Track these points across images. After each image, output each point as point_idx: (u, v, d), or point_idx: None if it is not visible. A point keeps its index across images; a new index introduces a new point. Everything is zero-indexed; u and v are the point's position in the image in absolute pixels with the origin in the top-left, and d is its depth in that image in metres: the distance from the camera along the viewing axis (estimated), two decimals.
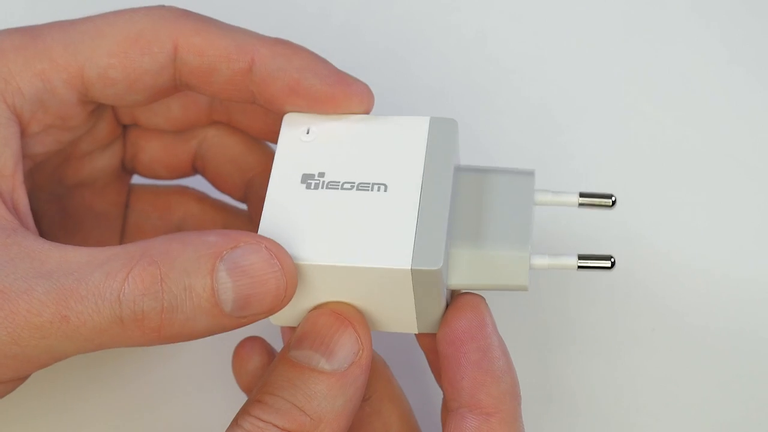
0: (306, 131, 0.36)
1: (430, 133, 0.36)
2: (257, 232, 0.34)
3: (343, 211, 0.35)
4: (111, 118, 0.41)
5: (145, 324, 0.32)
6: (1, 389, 0.35)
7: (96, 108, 0.39)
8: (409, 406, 0.40)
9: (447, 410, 0.35)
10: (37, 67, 0.36)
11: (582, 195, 0.37)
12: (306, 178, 0.36)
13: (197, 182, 0.44)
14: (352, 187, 0.35)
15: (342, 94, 0.36)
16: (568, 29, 0.49)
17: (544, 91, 0.49)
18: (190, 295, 0.32)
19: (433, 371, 0.39)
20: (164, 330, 0.32)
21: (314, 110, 0.36)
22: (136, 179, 0.44)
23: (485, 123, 0.47)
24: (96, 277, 0.32)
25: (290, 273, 0.33)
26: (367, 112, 0.36)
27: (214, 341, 0.41)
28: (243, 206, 0.44)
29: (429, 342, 0.38)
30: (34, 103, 0.36)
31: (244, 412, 0.33)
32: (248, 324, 0.33)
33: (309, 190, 0.35)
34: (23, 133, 0.37)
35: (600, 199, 0.37)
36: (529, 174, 0.37)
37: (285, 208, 0.35)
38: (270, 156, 0.41)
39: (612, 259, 0.36)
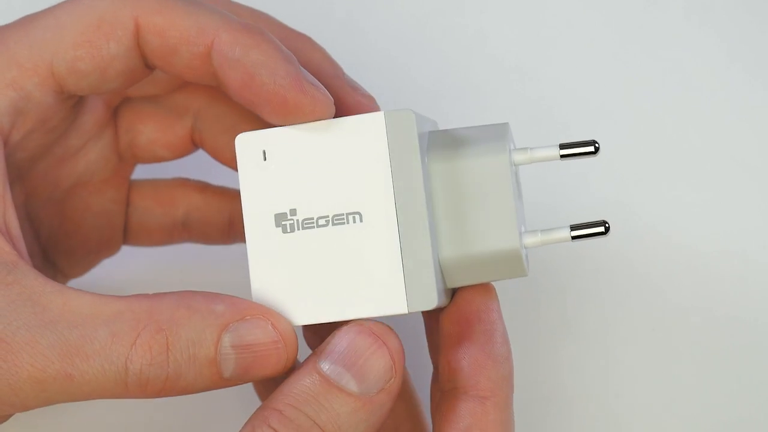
0: (262, 156, 0.34)
1: (389, 132, 0.34)
2: (252, 291, 0.34)
3: (325, 254, 0.34)
4: (96, 105, 0.40)
5: (148, 388, 0.32)
6: None
7: (77, 100, 0.38)
8: (420, 403, 0.40)
9: (439, 389, 0.36)
10: (6, 76, 0.35)
11: (562, 146, 0.35)
12: (279, 219, 0.34)
13: (198, 172, 0.44)
14: (328, 222, 0.34)
15: (293, 99, 0.34)
16: (568, 29, 0.49)
17: (544, 91, 0.49)
18: (193, 364, 0.32)
19: (429, 347, 0.39)
20: (165, 392, 0.32)
21: (265, 110, 0.34)
22: (137, 173, 0.43)
23: (485, 122, 0.47)
24: (102, 337, 0.32)
25: (292, 347, 0.33)
26: (319, 116, 0.34)
27: None
28: None
29: (433, 317, 0.38)
30: (11, 114, 0.35)
31: (262, 419, 0.32)
32: (247, 382, 0.34)
33: (286, 234, 0.34)
34: (5, 144, 0.36)
35: (582, 148, 0.35)
36: (502, 142, 0.35)
37: (269, 262, 0.34)
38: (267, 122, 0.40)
39: (606, 224, 0.35)
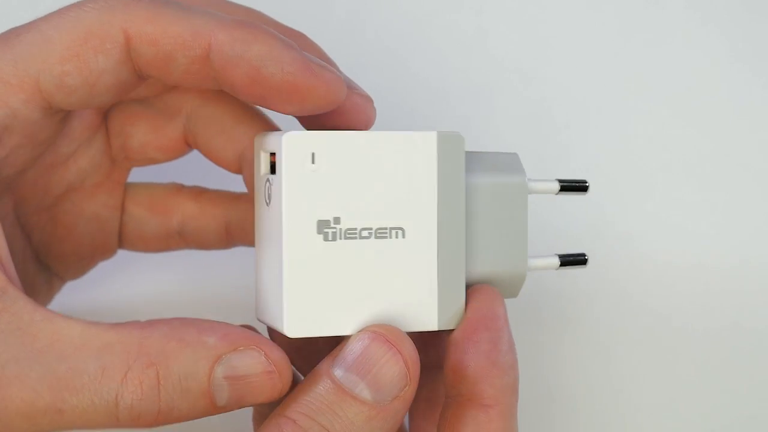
0: (311, 158, 0.33)
1: (439, 152, 0.34)
2: (283, 297, 0.33)
3: (364, 268, 0.34)
4: (85, 111, 0.39)
5: (140, 421, 0.32)
6: None
7: (65, 116, 0.37)
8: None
9: (426, 397, 0.36)
10: None
11: (561, 181, 0.38)
12: (322, 227, 0.33)
13: (195, 170, 0.44)
14: (370, 234, 0.34)
15: (305, 84, 0.33)
16: (568, 28, 0.49)
17: (545, 91, 0.49)
18: (186, 397, 0.32)
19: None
20: (157, 424, 0.32)
21: (277, 101, 0.34)
22: (132, 177, 0.43)
23: (485, 122, 0.47)
24: (91, 370, 0.31)
25: (286, 376, 0.33)
26: (335, 103, 0.34)
27: None
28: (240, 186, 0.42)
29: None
30: None
31: (276, 428, 0.32)
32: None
33: (327, 242, 0.33)
34: None
35: (577, 184, 0.38)
36: (521, 169, 0.36)
37: (306, 269, 0.33)
38: (262, 123, 0.39)
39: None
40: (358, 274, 0.34)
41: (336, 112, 0.35)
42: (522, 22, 0.50)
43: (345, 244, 0.33)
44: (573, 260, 0.38)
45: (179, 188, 0.43)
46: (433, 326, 0.34)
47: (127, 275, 0.47)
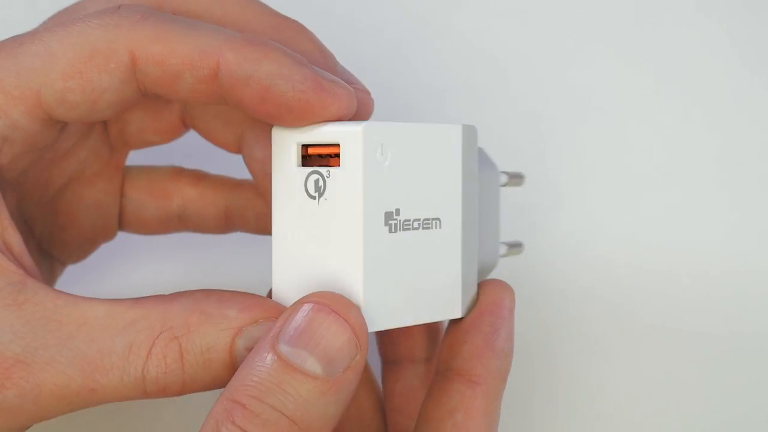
0: (381, 149, 0.33)
1: (464, 145, 0.35)
2: (361, 291, 0.32)
3: (415, 258, 0.33)
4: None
5: (167, 391, 0.32)
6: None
7: (65, 124, 0.37)
8: (381, 392, 0.40)
9: (414, 375, 0.37)
10: None
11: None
12: (388, 218, 0.33)
13: (194, 151, 0.44)
14: (419, 226, 0.34)
15: (317, 102, 0.33)
16: (567, 28, 0.49)
17: (545, 91, 0.49)
18: (209, 368, 0.32)
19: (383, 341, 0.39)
20: (184, 393, 0.33)
21: (288, 118, 0.33)
22: (130, 160, 0.43)
23: (485, 122, 0.47)
24: (119, 348, 0.32)
25: None
26: (346, 117, 0.33)
27: None
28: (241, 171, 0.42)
29: None
30: None
31: (225, 415, 0.31)
32: None
33: (390, 234, 0.33)
34: None
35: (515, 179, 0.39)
36: (495, 167, 0.37)
37: (378, 263, 0.33)
38: None
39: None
40: (411, 265, 0.33)
41: None
42: (522, 22, 0.50)
43: (401, 236, 0.33)
44: (513, 246, 0.40)
45: (179, 172, 0.43)
46: (458, 314, 0.35)
47: (129, 262, 0.47)
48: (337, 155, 0.33)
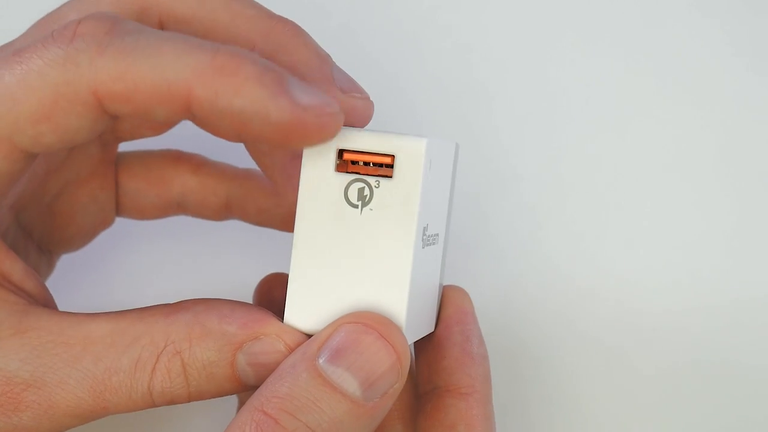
0: (430, 165, 0.32)
1: (454, 161, 0.35)
2: (405, 309, 0.31)
3: (424, 275, 0.33)
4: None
5: (174, 402, 0.33)
6: None
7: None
8: None
9: (417, 395, 0.36)
10: None
11: None
12: (422, 233, 0.32)
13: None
14: (434, 242, 0.34)
15: (295, 131, 0.31)
16: (566, 29, 0.49)
17: (544, 92, 0.48)
18: (212, 381, 0.33)
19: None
20: (191, 401, 0.33)
21: (269, 146, 0.33)
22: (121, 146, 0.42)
23: (483, 124, 0.47)
24: (125, 366, 0.32)
25: None
26: (330, 138, 0.32)
27: None
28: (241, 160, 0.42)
29: None
30: None
31: (255, 427, 0.30)
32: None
33: (423, 249, 0.32)
34: None
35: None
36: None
37: (415, 278, 0.32)
38: None
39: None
40: (425, 280, 0.33)
41: None
42: (520, 23, 0.49)
43: (426, 251, 0.33)
44: None
45: (177, 157, 0.42)
46: (432, 328, 0.36)
47: (127, 246, 0.47)
48: (389, 165, 0.31)
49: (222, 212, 0.42)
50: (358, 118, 0.34)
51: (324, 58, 0.35)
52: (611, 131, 0.47)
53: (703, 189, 0.47)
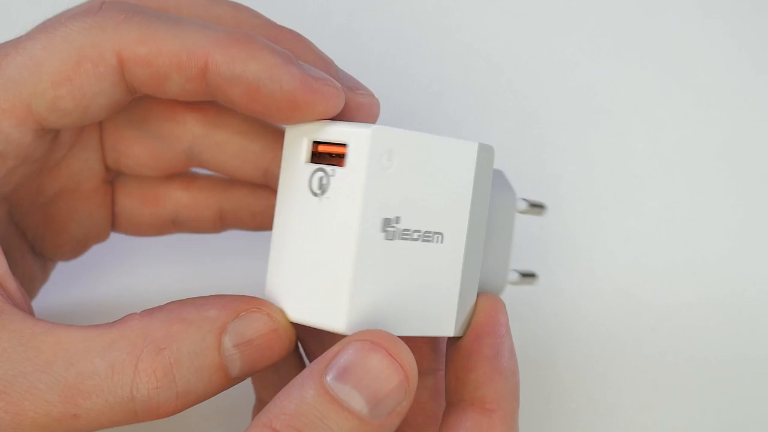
0: (387, 155, 0.32)
1: (478, 163, 0.34)
2: (346, 292, 0.32)
3: (411, 269, 0.33)
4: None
5: (160, 411, 0.32)
6: None
7: (58, 132, 0.37)
8: None
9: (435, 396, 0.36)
10: None
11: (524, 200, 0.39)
12: (385, 225, 0.32)
13: None
14: (419, 237, 0.33)
15: (304, 100, 0.33)
16: (566, 29, 0.49)
17: (544, 92, 0.49)
18: (201, 375, 0.32)
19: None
20: (176, 411, 0.32)
21: (276, 116, 0.33)
22: None
23: (484, 124, 0.47)
24: (100, 370, 0.31)
25: (290, 331, 0.33)
26: (333, 114, 0.34)
27: None
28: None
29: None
30: None
31: None
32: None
33: (387, 241, 0.33)
34: None
35: (536, 209, 0.38)
36: (510, 187, 0.37)
37: (369, 268, 0.32)
38: (277, 133, 0.39)
39: (534, 274, 0.39)
40: (405, 275, 0.33)
41: (341, 112, 0.35)
42: (520, 24, 0.50)
43: (399, 244, 0.33)
44: (526, 276, 0.39)
45: (169, 175, 0.42)
46: (450, 332, 0.35)
47: (123, 261, 0.47)
48: (341, 155, 0.33)
49: (217, 225, 0.42)
50: (365, 115, 0.35)
51: (329, 62, 0.36)
52: (612, 128, 0.48)
53: (708, 185, 0.47)
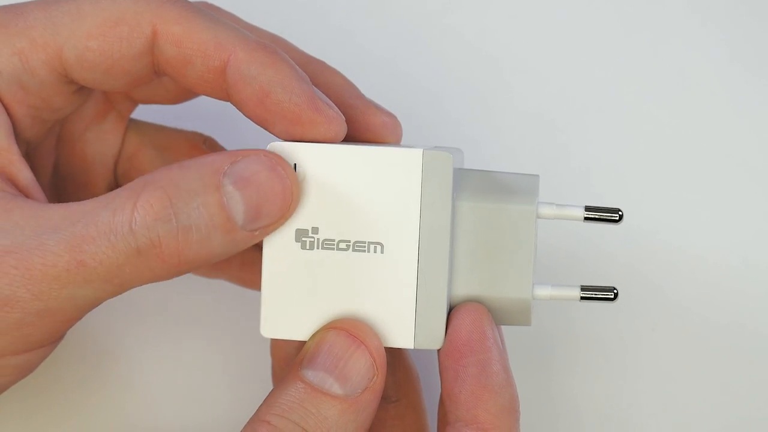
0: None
1: (424, 171, 0.34)
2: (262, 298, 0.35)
3: (340, 278, 0.34)
4: (99, 98, 0.40)
5: (164, 250, 0.32)
6: (37, 354, 0.35)
7: (79, 88, 0.38)
8: (427, 420, 0.40)
9: (444, 421, 0.35)
10: (16, 45, 0.35)
11: (588, 209, 0.36)
12: (300, 235, 0.34)
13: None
14: (348, 247, 0.34)
15: (308, 117, 0.35)
16: (566, 30, 0.49)
17: (544, 93, 0.49)
18: (201, 213, 0.33)
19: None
20: (183, 254, 0.33)
21: (279, 126, 0.35)
22: None
23: (484, 125, 0.47)
24: (104, 217, 0.32)
25: (293, 177, 0.34)
26: (333, 140, 0.35)
27: (216, 338, 0.40)
28: None
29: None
30: (13, 83, 0.36)
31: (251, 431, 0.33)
32: (261, 238, 0.34)
33: (304, 251, 0.34)
34: (9, 117, 0.36)
35: (606, 214, 0.36)
36: (532, 195, 0.35)
37: (284, 275, 0.34)
38: None
39: (615, 291, 0.36)
40: (334, 284, 0.34)
41: (364, 131, 0.37)
42: (520, 24, 0.50)
43: (321, 254, 0.34)
44: (598, 294, 0.36)
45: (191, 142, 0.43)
46: (410, 344, 0.34)
47: None
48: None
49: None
50: (388, 133, 0.37)
51: (353, 86, 0.39)
52: (612, 128, 0.48)
53: (708, 186, 0.47)
